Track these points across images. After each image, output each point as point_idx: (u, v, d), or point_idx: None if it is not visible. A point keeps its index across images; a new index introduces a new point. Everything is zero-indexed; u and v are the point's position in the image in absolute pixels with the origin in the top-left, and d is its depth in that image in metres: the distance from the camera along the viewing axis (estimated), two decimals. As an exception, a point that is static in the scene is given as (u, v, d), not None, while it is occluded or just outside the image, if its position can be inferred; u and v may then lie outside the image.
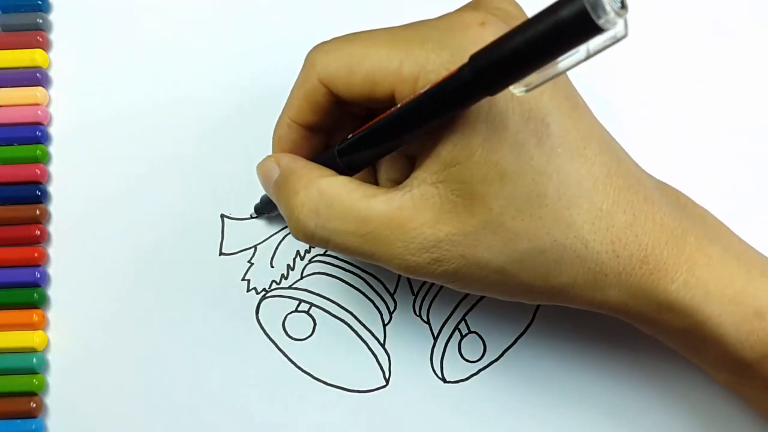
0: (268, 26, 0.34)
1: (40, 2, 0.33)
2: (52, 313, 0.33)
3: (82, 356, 0.32)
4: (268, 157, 0.28)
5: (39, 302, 0.32)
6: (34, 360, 0.32)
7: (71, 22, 0.34)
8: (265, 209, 0.32)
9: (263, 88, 0.33)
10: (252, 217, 0.33)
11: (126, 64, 0.34)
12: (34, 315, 0.32)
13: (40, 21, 0.33)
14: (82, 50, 0.34)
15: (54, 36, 0.34)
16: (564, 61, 0.20)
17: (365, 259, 0.26)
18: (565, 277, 0.25)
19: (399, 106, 0.24)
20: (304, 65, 0.27)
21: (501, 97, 0.23)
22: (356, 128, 0.26)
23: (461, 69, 0.22)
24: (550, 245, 0.24)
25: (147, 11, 0.34)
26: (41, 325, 0.32)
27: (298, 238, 0.26)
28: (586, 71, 0.23)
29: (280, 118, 0.28)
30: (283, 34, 0.34)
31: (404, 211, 0.25)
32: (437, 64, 0.24)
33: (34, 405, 0.32)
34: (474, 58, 0.21)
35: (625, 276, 0.25)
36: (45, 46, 0.34)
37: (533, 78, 0.21)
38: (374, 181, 0.29)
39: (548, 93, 0.24)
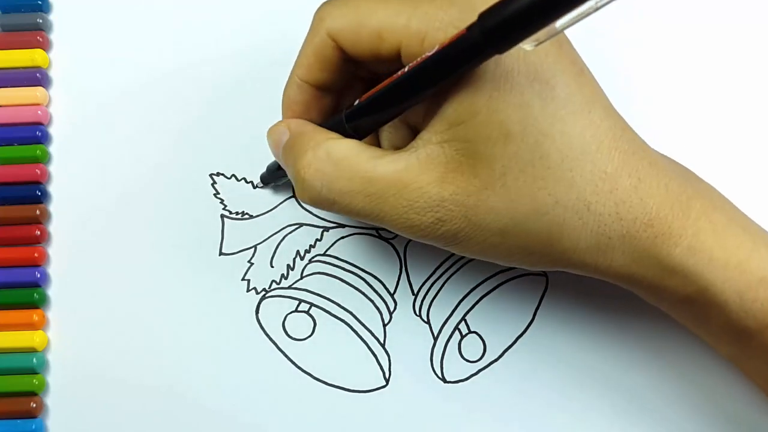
0: (267, 28, 0.34)
1: (40, 2, 0.33)
2: (52, 313, 0.33)
3: (82, 356, 0.32)
4: (279, 122, 0.28)
5: (39, 302, 0.32)
6: (34, 360, 0.32)
7: (71, 22, 0.34)
8: (272, 178, 0.32)
9: (264, 88, 0.33)
10: (257, 187, 0.33)
11: (126, 64, 0.34)
12: (34, 315, 0.32)
13: (40, 21, 0.33)
14: (82, 50, 0.34)
15: (54, 36, 0.34)
16: (572, 13, 0.20)
17: (370, 220, 0.26)
18: (567, 241, 0.25)
19: (407, 68, 0.24)
20: (312, 21, 0.27)
21: (507, 57, 0.23)
22: (363, 92, 0.26)
23: (470, 28, 0.21)
24: (552, 207, 0.25)
25: (147, 11, 0.34)
26: (41, 325, 0.32)
27: (303, 200, 0.26)
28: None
29: (289, 78, 0.28)
30: (282, 26, 0.34)
31: (410, 171, 0.25)
32: (445, 21, 0.24)
33: (34, 405, 0.32)
34: (483, 16, 0.21)
35: (629, 239, 0.25)
36: (45, 46, 0.34)
37: (541, 33, 0.20)
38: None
39: (554, 56, 0.24)
